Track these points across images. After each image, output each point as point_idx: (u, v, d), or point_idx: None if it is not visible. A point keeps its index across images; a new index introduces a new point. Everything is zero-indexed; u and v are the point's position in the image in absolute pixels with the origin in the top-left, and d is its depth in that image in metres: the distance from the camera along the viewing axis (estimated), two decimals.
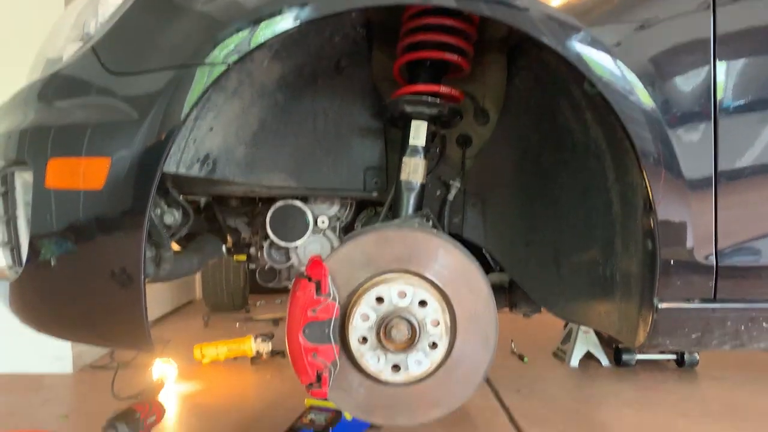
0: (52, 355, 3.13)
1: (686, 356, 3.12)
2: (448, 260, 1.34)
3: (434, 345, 1.32)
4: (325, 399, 2.15)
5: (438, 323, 1.31)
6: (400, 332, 1.30)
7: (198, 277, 5.06)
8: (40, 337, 2.98)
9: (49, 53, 1.53)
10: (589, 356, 3.28)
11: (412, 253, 1.34)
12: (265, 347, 3.32)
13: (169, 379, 2.90)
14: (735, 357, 3.36)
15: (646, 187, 1.21)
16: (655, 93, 1.21)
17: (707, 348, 1.30)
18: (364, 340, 1.32)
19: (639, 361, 3.19)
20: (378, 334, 1.31)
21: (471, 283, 1.35)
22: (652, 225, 1.21)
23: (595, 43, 1.20)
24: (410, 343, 1.31)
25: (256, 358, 3.33)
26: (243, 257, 2.21)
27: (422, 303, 1.31)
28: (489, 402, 2.68)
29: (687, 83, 1.23)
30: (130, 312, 1.32)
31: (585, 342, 3.27)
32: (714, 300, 1.25)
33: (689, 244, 1.21)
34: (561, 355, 3.38)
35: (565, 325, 3.52)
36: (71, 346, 3.15)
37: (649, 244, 1.23)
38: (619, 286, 1.40)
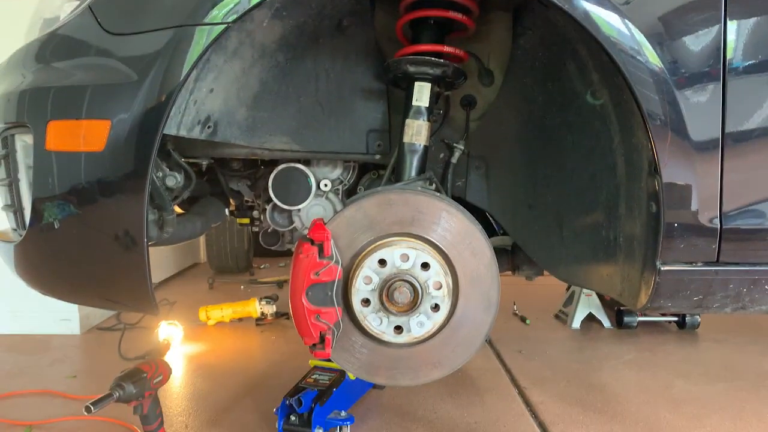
0: (59, 316, 3.18)
1: (687, 318, 3.15)
2: (451, 223, 1.34)
3: (436, 307, 1.32)
4: (329, 360, 2.20)
5: (440, 286, 1.32)
6: (403, 294, 1.30)
7: (202, 240, 5.09)
8: (48, 299, 3.03)
9: (46, 13, 1.50)
10: (590, 318, 3.32)
11: (415, 216, 1.33)
12: (269, 309, 3.36)
13: (175, 340, 2.95)
14: (735, 320, 3.39)
15: (652, 149, 1.19)
16: (663, 53, 1.18)
17: (708, 311, 1.31)
18: (367, 302, 1.33)
19: (640, 323, 3.23)
20: (381, 296, 1.31)
21: (473, 246, 1.34)
22: (657, 187, 1.20)
23: (602, 2, 1.17)
24: (412, 305, 1.32)
25: (260, 320, 3.38)
26: (246, 220, 2.22)
27: (425, 266, 1.31)
28: (491, 363, 2.72)
29: (696, 43, 1.20)
30: (134, 275, 1.33)
31: (587, 304, 3.30)
32: (717, 263, 1.24)
33: (694, 206, 1.20)
34: (563, 317, 3.41)
35: (568, 288, 3.54)
36: (78, 308, 3.19)
37: (653, 206, 1.23)
38: (622, 249, 1.40)
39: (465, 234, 1.34)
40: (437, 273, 1.31)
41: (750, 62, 1.21)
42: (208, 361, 2.79)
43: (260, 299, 3.39)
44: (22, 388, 2.40)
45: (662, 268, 1.23)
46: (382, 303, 1.32)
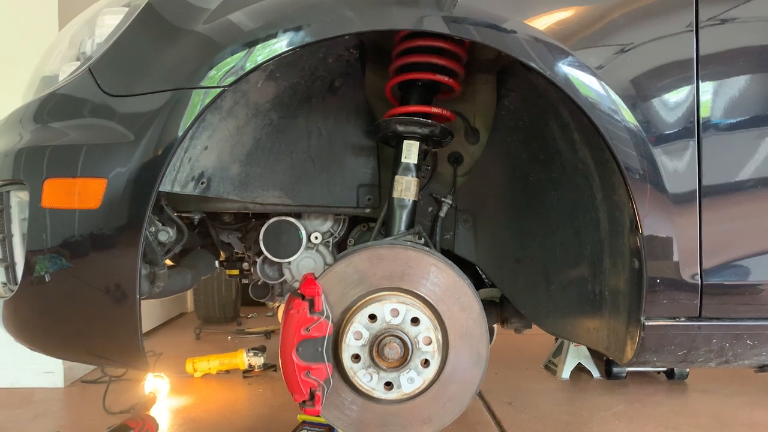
0: (42, 369, 3.11)
1: (676, 369, 3.15)
2: (440, 278, 1.36)
3: (426, 363, 1.33)
4: (318, 416, 2.17)
5: (430, 341, 1.33)
6: (393, 350, 1.31)
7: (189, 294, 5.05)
8: (30, 352, 2.98)
9: (45, 71, 1.55)
10: (580, 368, 3.30)
11: (405, 271, 1.36)
12: (257, 361, 3.32)
13: (161, 393, 2.89)
14: (723, 370, 3.39)
15: (632, 206, 1.23)
16: (638, 113, 1.24)
17: (693, 365, 1.33)
18: (357, 358, 1.33)
19: (630, 373, 3.22)
20: (371, 352, 1.32)
21: (463, 301, 1.37)
22: (638, 244, 1.23)
23: (581, 66, 1.23)
24: (403, 361, 1.33)
25: (248, 372, 3.33)
26: (236, 272, 2.23)
27: (414, 321, 1.33)
28: (481, 416, 2.69)
29: (671, 103, 1.25)
30: (124, 329, 1.33)
31: (576, 354, 3.29)
32: (699, 318, 1.27)
33: (675, 262, 1.24)
34: (552, 367, 3.40)
35: (557, 338, 3.54)
36: (62, 361, 3.13)
37: (636, 262, 1.26)
38: (608, 303, 1.43)
39: (454, 288, 1.37)
40: (427, 328, 1.33)
41: (723, 120, 1.27)
42: (195, 414, 2.74)
43: (248, 350, 3.36)
44: None
45: (647, 323, 1.25)
46: (372, 359, 1.32)
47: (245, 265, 2.15)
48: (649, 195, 1.23)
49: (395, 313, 1.33)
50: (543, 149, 1.56)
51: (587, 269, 1.51)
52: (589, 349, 3.33)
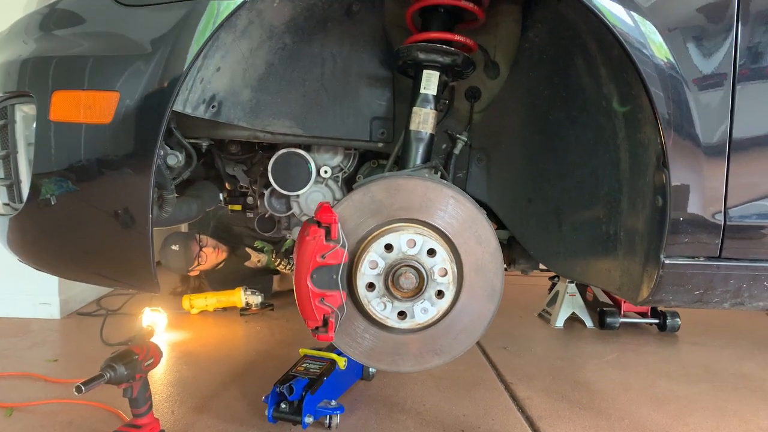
0: (38, 300, 3.11)
1: (668, 321, 3.21)
2: (458, 211, 1.34)
3: (440, 294, 1.32)
4: (320, 349, 2.18)
5: (445, 273, 1.32)
6: (408, 280, 1.30)
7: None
8: (28, 282, 2.97)
9: None
10: (573, 318, 3.35)
11: (423, 203, 1.33)
12: (255, 299, 3.34)
13: (158, 327, 2.90)
14: (714, 324, 3.46)
15: (660, 144, 1.21)
16: (675, 48, 1.20)
17: (708, 306, 1.33)
18: (372, 286, 1.32)
19: (622, 324, 3.27)
20: (386, 281, 1.31)
21: (480, 235, 1.35)
22: (664, 181, 1.21)
23: None
24: (417, 291, 1.32)
25: (245, 310, 3.35)
26: (238, 207, 2.19)
27: (431, 252, 1.31)
28: (477, 358, 2.74)
29: (708, 41, 1.21)
30: (134, 252, 1.31)
31: (570, 304, 3.34)
32: (719, 258, 1.26)
33: (699, 200, 1.22)
34: (546, 316, 3.45)
35: (551, 288, 3.58)
36: (58, 293, 3.13)
37: (660, 200, 1.24)
38: (623, 244, 1.42)
39: (471, 221, 1.34)
40: (443, 260, 1.31)
41: (760, 64, 1.23)
42: (193, 348, 2.76)
43: (245, 289, 3.36)
44: (2, 371, 2.34)
45: (666, 262, 1.24)
46: (387, 288, 1.31)
47: (249, 199, 2.12)
48: (679, 132, 1.20)
49: (411, 243, 1.31)
50: (566, 86, 1.51)
51: (603, 210, 1.49)
52: (583, 298, 3.37)
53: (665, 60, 1.19)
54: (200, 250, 3.52)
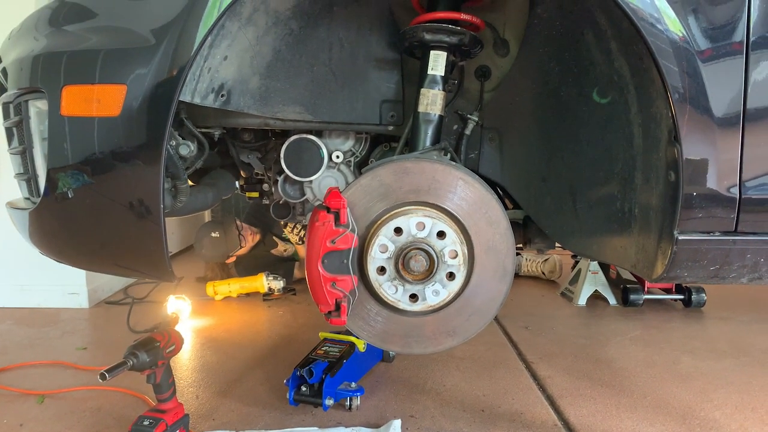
0: (67, 290, 3.20)
1: (693, 296, 3.16)
2: (467, 192, 1.33)
3: (452, 276, 1.32)
4: (339, 332, 2.20)
5: (456, 254, 1.32)
6: (419, 263, 1.30)
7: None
8: (57, 273, 3.04)
9: None
10: (596, 296, 3.33)
11: (431, 185, 1.33)
12: (277, 284, 3.37)
13: (183, 314, 2.96)
14: (741, 298, 3.40)
15: (672, 118, 1.18)
16: (686, 22, 1.17)
17: (724, 281, 1.31)
18: (383, 270, 1.33)
19: (646, 301, 3.24)
20: (396, 264, 1.31)
21: (489, 216, 1.34)
22: (676, 155, 1.19)
23: None
24: (428, 273, 1.32)
25: (267, 295, 3.39)
26: (255, 194, 2.21)
27: (441, 234, 1.31)
28: (498, 338, 2.74)
29: (720, 13, 1.18)
30: (149, 242, 1.33)
31: (593, 282, 3.30)
32: (735, 232, 1.24)
33: (713, 175, 1.19)
34: (569, 295, 3.42)
35: (573, 266, 3.55)
36: (86, 282, 3.21)
37: (672, 175, 1.22)
38: (637, 220, 1.40)
39: (481, 203, 1.34)
40: (453, 242, 1.31)
41: None
42: (217, 334, 2.81)
43: (267, 274, 3.41)
44: (34, 359, 2.42)
45: (680, 238, 1.22)
46: (397, 271, 1.31)
47: (265, 186, 2.13)
48: (692, 108, 1.17)
49: (421, 226, 1.31)
50: (576, 61, 1.48)
51: (617, 186, 1.47)
52: (606, 276, 3.34)
53: (675, 31, 1.16)
54: (240, 234, 3.58)
